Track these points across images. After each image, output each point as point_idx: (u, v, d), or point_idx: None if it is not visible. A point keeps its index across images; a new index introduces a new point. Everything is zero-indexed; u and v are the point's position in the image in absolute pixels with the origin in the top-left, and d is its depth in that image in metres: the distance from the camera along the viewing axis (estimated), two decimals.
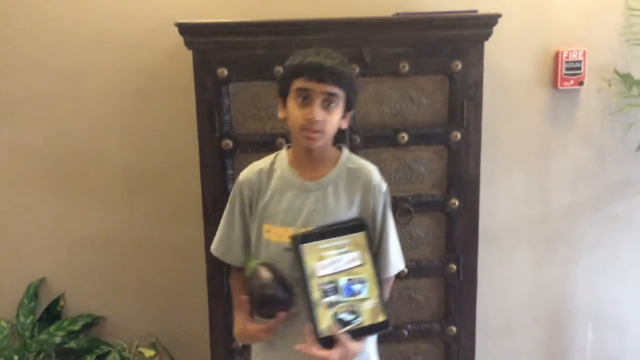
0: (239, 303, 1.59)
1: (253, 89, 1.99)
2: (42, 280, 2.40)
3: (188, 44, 1.93)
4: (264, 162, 1.63)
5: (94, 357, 2.29)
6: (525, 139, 2.42)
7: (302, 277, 1.46)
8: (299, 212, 1.53)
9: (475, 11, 2.03)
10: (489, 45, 2.00)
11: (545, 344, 2.60)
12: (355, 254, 1.51)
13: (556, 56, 2.35)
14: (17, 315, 2.33)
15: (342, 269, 1.49)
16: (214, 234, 2.03)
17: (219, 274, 2.07)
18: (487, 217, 2.28)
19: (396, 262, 1.61)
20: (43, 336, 2.30)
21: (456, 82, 2.01)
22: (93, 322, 2.41)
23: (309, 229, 1.51)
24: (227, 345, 2.12)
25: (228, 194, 2.00)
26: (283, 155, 1.62)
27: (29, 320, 2.33)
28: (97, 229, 2.37)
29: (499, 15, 1.94)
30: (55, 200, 2.35)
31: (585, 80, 2.36)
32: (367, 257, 1.52)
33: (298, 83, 1.47)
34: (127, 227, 2.38)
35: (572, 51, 2.33)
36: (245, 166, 2.00)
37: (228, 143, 2.00)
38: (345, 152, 1.61)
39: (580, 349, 2.62)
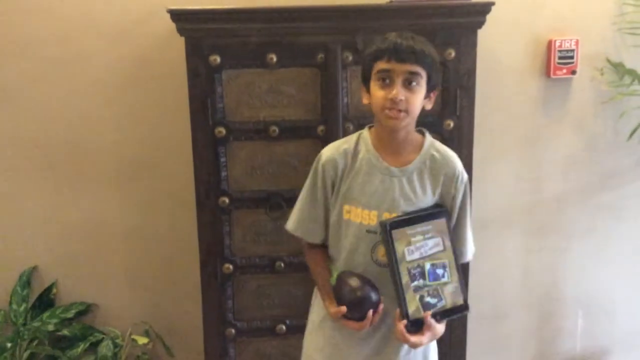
0: (328, 295, 1.60)
1: (246, 77, 1.99)
2: (35, 268, 2.40)
3: (180, 31, 1.92)
4: (347, 143, 1.63)
5: (87, 344, 2.30)
6: (517, 128, 2.43)
7: (393, 262, 1.51)
8: (383, 197, 1.55)
9: None
10: (482, 34, 2.00)
11: (535, 330, 2.62)
12: (437, 240, 1.57)
13: (549, 45, 2.35)
14: (10, 303, 2.33)
15: (428, 254, 1.55)
16: (207, 222, 2.05)
17: (212, 261, 2.08)
18: (479, 205, 2.30)
19: (472, 248, 1.68)
20: (36, 324, 2.30)
21: (449, 70, 2.01)
22: (86, 310, 2.41)
23: (393, 214, 1.54)
24: (220, 333, 2.13)
25: (221, 181, 2.03)
26: (366, 136, 1.62)
27: (21, 308, 2.33)
28: (90, 216, 2.37)
29: (492, 4, 1.94)
30: (48, 188, 2.34)
31: (578, 69, 2.36)
32: (448, 243, 1.58)
33: (379, 65, 1.48)
34: (120, 214, 2.38)
35: (564, 40, 2.33)
36: (238, 154, 2.03)
37: (221, 131, 2.00)
38: (428, 137, 1.62)
39: (570, 336, 2.65)
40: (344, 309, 1.51)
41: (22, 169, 2.33)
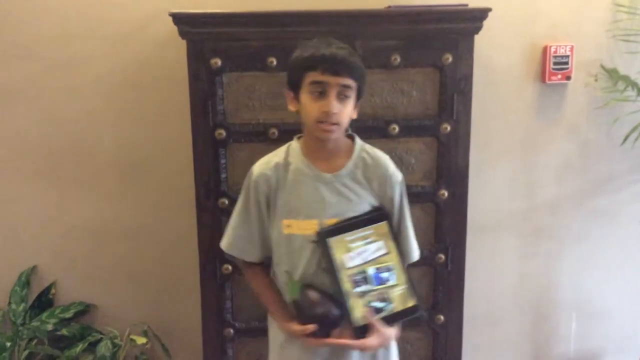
0: (278, 308, 1.60)
1: (246, 80, 2.01)
2: (34, 268, 2.40)
3: (182, 34, 1.95)
4: (277, 156, 1.62)
5: (86, 344, 2.30)
6: (513, 132, 2.46)
7: (332, 271, 1.49)
8: (321, 204, 1.54)
9: (466, 5, 2.05)
10: (478, 39, 2.03)
11: (530, 333, 2.64)
12: (380, 243, 1.55)
13: (544, 51, 2.38)
14: (9, 303, 2.34)
15: (370, 258, 1.54)
16: (206, 224, 2.07)
17: (211, 262, 2.09)
18: (475, 209, 2.31)
19: (416, 248, 1.67)
20: (35, 323, 2.30)
21: (446, 75, 2.04)
22: (85, 310, 2.42)
23: (333, 220, 1.53)
24: (219, 333, 2.14)
25: (221, 183, 2.05)
26: (295, 146, 1.61)
27: (20, 308, 2.34)
28: (90, 217, 2.38)
29: (489, 9, 1.97)
30: (48, 189, 2.35)
31: (573, 75, 2.39)
32: (392, 245, 1.56)
33: (312, 76, 1.46)
34: (120, 215, 2.39)
35: (560, 46, 2.37)
36: (238, 156, 2.05)
37: (221, 133, 2.02)
38: (358, 141, 1.62)
39: (564, 339, 2.67)
40: (311, 327, 1.48)
41: (22, 169, 2.34)
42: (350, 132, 1.64)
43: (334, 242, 1.50)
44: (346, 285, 1.49)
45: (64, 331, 2.33)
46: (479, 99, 2.17)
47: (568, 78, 2.39)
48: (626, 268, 2.64)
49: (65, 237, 2.40)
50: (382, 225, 1.56)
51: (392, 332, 1.53)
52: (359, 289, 1.50)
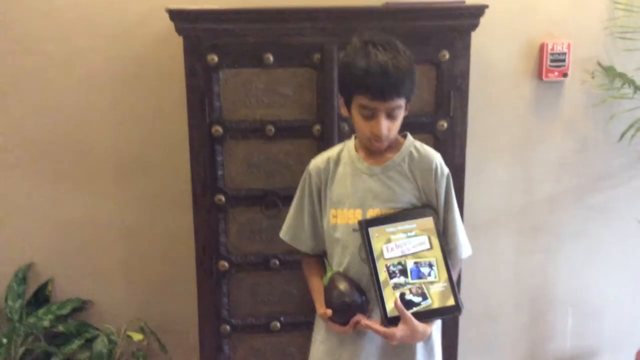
0: (319, 299, 1.61)
1: (243, 76, 2.01)
2: (31, 265, 2.40)
3: (179, 30, 1.94)
4: (332, 151, 1.67)
5: (83, 341, 2.31)
6: (509, 129, 2.46)
7: (370, 260, 1.49)
8: (365, 194, 1.57)
9: (463, 2, 2.05)
10: (475, 36, 2.03)
11: (526, 330, 2.65)
12: (423, 238, 1.54)
13: (541, 48, 2.39)
14: (6, 300, 2.33)
15: (410, 252, 1.52)
16: (203, 220, 2.07)
17: (207, 259, 2.10)
18: (472, 206, 2.31)
19: (464, 244, 1.63)
20: (32, 320, 2.30)
21: (443, 72, 2.04)
22: (81, 307, 2.42)
23: (376, 211, 1.55)
24: (215, 330, 2.15)
25: (217, 179, 2.05)
26: (350, 143, 1.65)
27: (17, 305, 2.33)
28: (87, 214, 2.38)
29: (486, 6, 1.97)
30: (44, 185, 2.35)
31: (570, 72, 2.40)
32: (436, 242, 1.54)
33: (362, 100, 1.47)
34: (117, 212, 2.39)
35: (556, 43, 2.37)
36: (235, 152, 2.05)
37: (218, 129, 2.02)
38: (409, 138, 1.64)
39: (560, 335, 2.68)
40: (329, 312, 1.51)
41: (18, 166, 2.34)
42: (405, 132, 1.65)
43: (374, 231, 1.51)
44: (382, 274, 1.49)
45: (61, 328, 2.33)
46: (475, 96, 2.17)
47: (565, 75, 2.40)
48: (623, 264, 2.64)
49: (62, 234, 2.39)
50: (427, 221, 1.55)
51: (424, 328, 1.49)
52: (395, 280, 1.49)
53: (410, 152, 1.60)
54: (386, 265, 1.50)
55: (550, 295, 2.64)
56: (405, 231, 1.53)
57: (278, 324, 2.16)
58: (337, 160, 1.64)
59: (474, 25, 2.01)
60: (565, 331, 2.68)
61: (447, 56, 2.02)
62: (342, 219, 1.58)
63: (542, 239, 2.58)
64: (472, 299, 2.47)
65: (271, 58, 1.98)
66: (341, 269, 1.59)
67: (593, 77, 2.43)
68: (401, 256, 1.52)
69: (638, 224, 2.56)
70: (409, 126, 2.04)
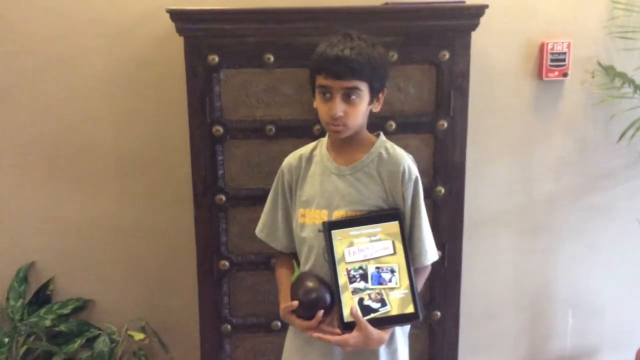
0: (285, 295, 1.59)
1: (243, 76, 2.01)
2: (32, 264, 2.41)
3: (179, 31, 1.95)
4: (306, 148, 1.66)
5: (84, 340, 2.31)
6: (509, 129, 2.46)
7: (331, 263, 1.48)
8: (332, 195, 1.55)
9: (463, 2, 2.06)
10: (475, 36, 2.04)
11: (526, 329, 2.65)
12: (387, 243, 1.51)
13: (541, 48, 2.39)
14: (7, 299, 2.34)
15: (372, 256, 1.50)
16: (204, 219, 2.08)
17: (208, 258, 2.10)
18: (472, 205, 2.31)
19: (431, 250, 1.59)
20: (33, 319, 2.31)
21: (443, 72, 2.04)
22: (83, 306, 2.43)
23: (342, 212, 1.53)
24: (216, 329, 2.15)
25: (218, 179, 2.06)
26: (324, 141, 1.64)
27: (18, 304, 2.34)
28: (88, 213, 2.39)
29: (486, 6, 1.98)
30: (46, 185, 2.36)
31: (570, 72, 2.40)
32: (400, 247, 1.51)
33: (319, 80, 1.48)
34: (118, 211, 2.40)
35: (557, 43, 2.37)
36: (235, 152, 2.06)
37: (218, 129, 2.02)
38: (381, 138, 1.62)
39: (561, 335, 2.68)
40: (295, 303, 1.48)
41: (20, 165, 2.34)
42: (378, 132, 1.64)
43: (337, 234, 1.49)
44: (342, 278, 1.48)
45: (62, 327, 2.34)
46: (475, 95, 2.17)
47: (565, 75, 2.40)
48: (623, 264, 2.64)
49: (63, 233, 2.40)
50: (393, 225, 1.51)
51: (380, 335, 1.47)
52: (354, 285, 1.47)
53: (380, 154, 1.58)
54: (347, 269, 1.48)
55: (550, 295, 2.64)
56: (369, 235, 1.50)
57: (279, 323, 2.16)
58: (310, 158, 1.63)
59: (474, 25, 2.01)
60: (566, 330, 2.68)
61: (447, 56, 2.02)
62: (309, 218, 1.58)
63: (542, 239, 2.58)
64: (471, 299, 2.49)
65: (271, 58, 1.98)
66: (306, 269, 1.58)
67: (593, 77, 2.43)
68: (363, 260, 1.49)
69: (638, 223, 2.56)
70: (409, 126, 2.08)
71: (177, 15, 1.93)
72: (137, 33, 2.26)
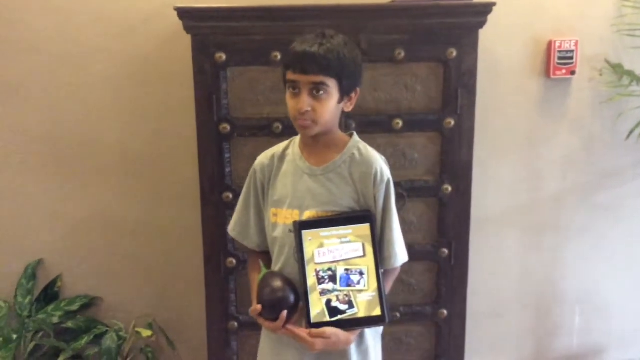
0: (255, 296, 1.57)
1: (251, 74, 2.02)
2: (40, 262, 2.42)
3: (187, 29, 1.96)
4: (279, 147, 1.64)
5: (92, 337, 2.32)
6: (517, 127, 2.46)
7: (300, 263, 1.48)
8: (304, 195, 1.54)
9: None
10: (483, 34, 2.03)
11: (533, 328, 2.65)
12: (357, 245, 1.50)
13: (549, 45, 2.38)
14: (16, 296, 2.36)
15: (341, 258, 1.49)
16: (211, 217, 2.09)
17: (215, 256, 2.11)
18: (478, 203, 2.31)
19: (401, 253, 1.58)
20: (41, 316, 2.33)
21: (450, 70, 2.04)
22: (90, 303, 2.44)
23: (313, 212, 1.52)
24: (223, 326, 2.16)
25: (225, 177, 2.06)
26: (296, 140, 1.63)
27: (27, 301, 2.36)
28: (96, 210, 2.40)
29: (494, 4, 1.97)
30: (54, 183, 2.37)
31: (577, 70, 2.39)
32: (370, 250, 1.51)
33: (288, 75, 1.47)
34: (126, 209, 2.41)
35: (564, 41, 2.36)
36: (242, 150, 2.06)
37: (226, 127, 2.03)
38: (355, 138, 1.60)
39: (567, 333, 2.68)
40: (259, 307, 1.47)
41: (28, 163, 2.36)
42: (352, 131, 1.63)
43: (307, 234, 1.49)
44: (311, 279, 1.47)
45: (70, 324, 2.35)
46: (483, 93, 2.17)
47: (572, 73, 2.39)
48: (630, 262, 2.64)
49: (71, 231, 2.41)
50: (364, 228, 1.51)
51: (347, 337, 1.47)
52: (323, 286, 1.47)
53: (353, 154, 1.57)
54: (316, 270, 1.48)
55: (557, 293, 2.63)
56: (339, 236, 1.50)
57: None
58: (282, 157, 1.61)
59: (482, 23, 2.01)
60: (573, 328, 2.67)
61: (455, 54, 2.02)
62: (281, 218, 1.56)
63: (549, 237, 2.58)
64: (478, 297, 2.49)
65: (278, 56, 1.98)
66: (277, 268, 1.57)
67: (601, 75, 2.42)
68: (332, 262, 1.49)
69: None
70: (416, 123, 2.08)
71: (184, 13, 1.94)
72: (145, 31, 2.27)
